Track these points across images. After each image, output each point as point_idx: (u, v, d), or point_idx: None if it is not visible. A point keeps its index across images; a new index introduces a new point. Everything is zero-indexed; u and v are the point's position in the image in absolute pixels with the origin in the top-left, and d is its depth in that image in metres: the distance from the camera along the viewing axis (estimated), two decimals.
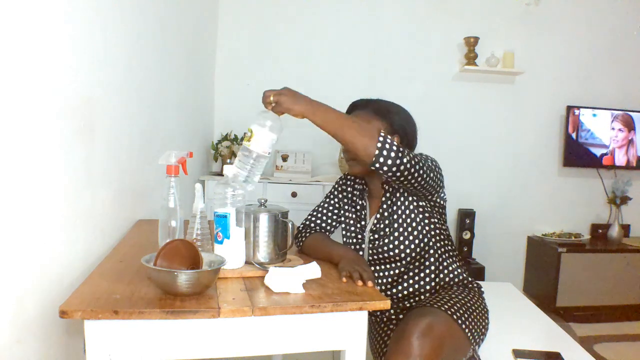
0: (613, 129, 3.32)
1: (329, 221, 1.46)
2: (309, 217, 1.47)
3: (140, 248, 1.22)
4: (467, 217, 3.21)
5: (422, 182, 1.21)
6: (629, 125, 3.33)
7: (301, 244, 1.36)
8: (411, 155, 1.17)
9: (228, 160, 2.86)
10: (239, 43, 3.17)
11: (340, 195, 1.48)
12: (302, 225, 1.44)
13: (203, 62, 2.87)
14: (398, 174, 1.15)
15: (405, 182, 1.19)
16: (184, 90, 2.36)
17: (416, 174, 1.17)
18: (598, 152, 3.32)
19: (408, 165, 1.14)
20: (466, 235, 3.21)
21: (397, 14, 3.23)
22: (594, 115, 3.30)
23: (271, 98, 1.10)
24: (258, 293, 0.94)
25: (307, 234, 1.38)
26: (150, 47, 1.72)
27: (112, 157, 1.32)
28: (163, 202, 1.10)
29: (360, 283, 1.02)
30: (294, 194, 2.84)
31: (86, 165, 1.12)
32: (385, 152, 1.11)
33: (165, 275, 0.86)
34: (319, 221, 1.45)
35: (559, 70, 3.35)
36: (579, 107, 3.28)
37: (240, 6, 3.15)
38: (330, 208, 1.47)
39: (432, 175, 1.23)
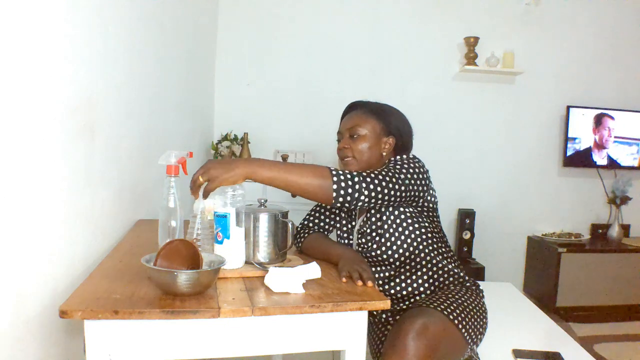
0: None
1: (327, 220, 1.45)
2: (308, 216, 1.47)
3: (140, 248, 1.22)
4: (467, 217, 3.21)
5: (395, 198, 1.20)
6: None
7: (300, 244, 1.36)
8: (370, 178, 1.15)
9: None
10: (239, 43, 3.17)
11: None
12: (300, 225, 1.44)
13: (203, 62, 2.87)
14: (360, 203, 1.14)
15: (374, 205, 1.19)
16: (184, 90, 2.36)
17: (380, 195, 1.16)
18: None
19: (367, 192, 1.14)
20: (466, 235, 3.21)
21: (397, 14, 3.23)
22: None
23: (200, 179, 1.03)
24: (258, 293, 0.94)
25: (306, 234, 1.38)
26: (151, 47, 1.72)
27: (112, 157, 1.32)
28: (163, 202, 1.11)
29: (360, 283, 1.02)
30: (293, 194, 2.84)
31: (86, 165, 1.12)
32: (342, 190, 1.11)
33: (165, 275, 0.86)
34: (317, 220, 1.45)
35: (559, 70, 3.35)
36: (579, 107, 3.28)
37: (240, 6, 3.15)
38: (328, 207, 1.47)
39: (410, 184, 1.22)
